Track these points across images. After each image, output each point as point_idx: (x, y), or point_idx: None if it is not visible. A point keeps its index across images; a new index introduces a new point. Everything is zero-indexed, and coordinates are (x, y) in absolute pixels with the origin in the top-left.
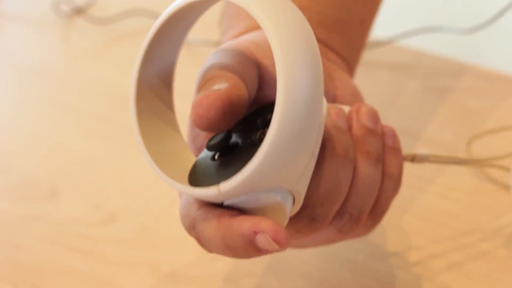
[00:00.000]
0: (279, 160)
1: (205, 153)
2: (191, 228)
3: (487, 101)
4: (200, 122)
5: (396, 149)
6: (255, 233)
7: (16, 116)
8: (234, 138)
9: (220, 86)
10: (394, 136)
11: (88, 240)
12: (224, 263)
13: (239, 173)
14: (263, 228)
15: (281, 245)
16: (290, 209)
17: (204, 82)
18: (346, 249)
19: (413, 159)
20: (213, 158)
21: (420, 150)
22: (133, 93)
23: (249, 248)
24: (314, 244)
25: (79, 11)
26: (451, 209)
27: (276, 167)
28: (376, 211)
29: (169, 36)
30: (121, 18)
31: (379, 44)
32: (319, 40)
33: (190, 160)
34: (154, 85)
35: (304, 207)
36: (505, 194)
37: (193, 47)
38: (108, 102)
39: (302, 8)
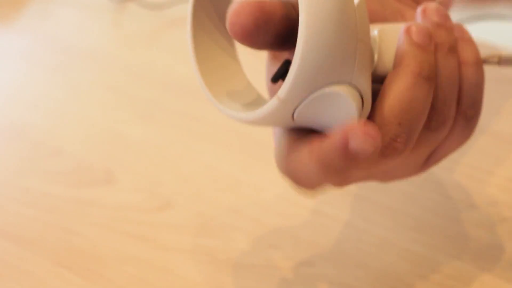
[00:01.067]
0: (319, 45)
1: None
2: (286, 169)
3: None
4: (234, 30)
5: (467, 39)
6: (347, 140)
7: (69, 101)
8: None
9: None
10: (462, 29)
11: (143, 226)
12: (281, 252)
13: (289, 74)
14: (352, 129)
15: (375, 139)
16: (361, 108)
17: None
18: (404, 239)
19: (499, 60)
20: None
21: (506, 51)
22: (190, 21)
23: (346, 158)
24: (402, 172)
25: None
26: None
27: (321, 51)
28: (464, 104)
29: None
30: (174, 4)
31: None
32: None
33: (253, 93)
34: (211, 17)
35: (381, 127)
36: None
37: None
38: (161, 87)
39: None
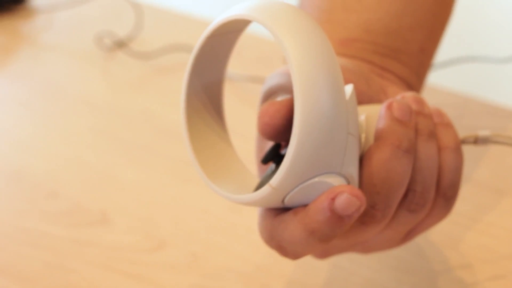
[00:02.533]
0: (312, 140)
1: (269, 170)
2: (271, 238)
3: None
4: (266, 131)
5: (446, 124)
6: (333, 199)
7: (62, 145)
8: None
9: (283, 97)
10: (441, 114)
11: (138, 265)
12: None
13: (282, 165)
14: (338, 190)
15: (361, 199)
16: None
17: (266, 98)
18: (389, 279)
19: (476, 140)
20: (272, 172)
21: (482, 130)
22: (183, 105)
23: (331, 220)
24: (382, 245)
25: (120, 45)
26: (490, 245)
27: (312, 148)
28: (444, 187)
29: (215, 50)
30: (161, 54)
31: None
32: (374, 65)
33: (244, 173)
34: (203, 99)
35: None
36: None
37: (235, 83)
38: (151, 133)
39: (355, 40)
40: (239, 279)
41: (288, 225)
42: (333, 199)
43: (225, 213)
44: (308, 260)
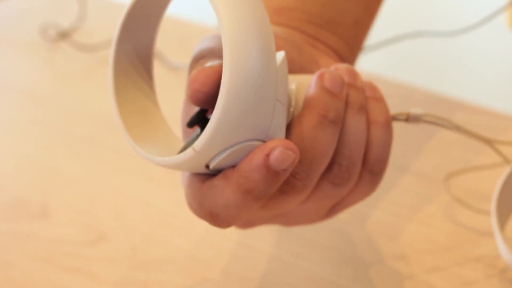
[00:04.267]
0: (239, 104)
1: (194, 134)
2: (201, 206)
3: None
4: (196, 97)
5: (377, 98)
6: (267, 155)
7: (3, 137)
8: None
9: (213, 63)
10: (374, 87)
11: (79, 259)
12: (213, 285)
13: (206, 128)
14: (272, 146)
15: (295, 151)
16: None
17: (196, 61)
18: (332, 272)
19: (407, 118)
20: (197, 135)
21: (414, 108)
22: (111, 67)
23: (267, 176)
24: (305, 218)
25: (64, 35)
26: (432, 237)
27: (238, 112)
28: (371, 162)
29: (145, 12)
30: (105, 46)
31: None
32: (308, 35)
33: (170, 137)
34: (133, 61)
35: None
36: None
37: (180, 72)
38: (94, 124)
39: (290, 9)
40: (180, 272)
41: (219, 189)
42: (267, 155)
43: (166, 205)
44: (248, 253)
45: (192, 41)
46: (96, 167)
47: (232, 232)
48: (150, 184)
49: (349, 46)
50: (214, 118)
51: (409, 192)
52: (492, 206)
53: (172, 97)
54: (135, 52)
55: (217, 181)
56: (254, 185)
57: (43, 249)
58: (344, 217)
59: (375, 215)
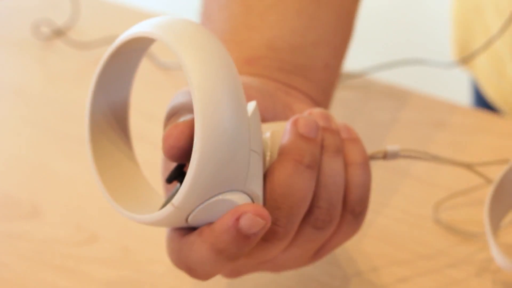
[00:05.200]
0: (213, 157)
1: (174, 190)
2: (179, 261)
3: (459, 136)
4: (172, 153)
5: (353, 139)
6: (237, 219)
7: None
8: None
9: (186, 118)
10: (348, 129)
11: (70, 259)
12: (205, 286)
13: (183, 183)
14: (242, 210)
15: (265, 218)
16: None
17: (169, 118)
18: (322, 273)
19: (385, 155)
20: (176, 191)
21: (391, 145)
22: (87, 126)
23: (237, 239)
24: (291, 263)
25: (58, 33)
26: (413, 233)
27: (213, 165)
28: (351, 202)
29: (119, 68)
30: (99, 45)
31: (353, 76)
32: (280, 82)
33: (150, 193)
34: (108, 118)
35: None
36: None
37: (172, 72)
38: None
39: (261, 58)
40: (171, 273)
41: (194, 246)
42: (237, 219)
43: None
44: None
45: None
46: (87, 166)
47: None
48: None
49: (321, 89)
50: (190, 173)
51: (402, 195)
52: (485, 212)
53: (164, 96)
54: (110, 109)
55: (193, 237)
56: (225, 246)
57: (34, 249)
58: None
59: (367, 217)
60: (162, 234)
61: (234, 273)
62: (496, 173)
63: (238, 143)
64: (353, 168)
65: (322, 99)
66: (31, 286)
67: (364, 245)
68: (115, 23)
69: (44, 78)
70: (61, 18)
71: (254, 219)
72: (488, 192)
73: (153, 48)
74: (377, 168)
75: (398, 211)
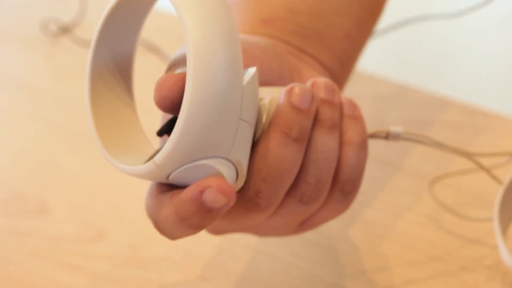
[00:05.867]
0: (200, 121)
1: (163, 143)
2: (150, 216)
3: (464, 135)
4: (163, 104)
5: (355, 117)
6: (201, 192)
7: (2, 132)
8: None
9: (182, 70)
10: (353, 105)
11: (78, 256)
12: (211, 284)
13: (167, 142)
14: (206, 184)
15: (228, 195)
16: (234, 181)
17: (170, 67)
18: (332, 274)
19: (387, 136)
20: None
21: (394, 126)
22: (88, 72)
23: (200, 211)
24: (274, 231)
25: (65, 30)
26: (429, 237)
27: (200, 129)
28: (342, 181)
29: (124, 19)
30: None
31: (362, 75)
32: (293, 46)
33: (145, 145)
34: (111, 68)
35: (246, 182)
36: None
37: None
38: None
39: (278, 19)
40: (179, 271)
41: (163, 208)
42: (201, 192)
43: None
44: (248, 253)
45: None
46: (96, 163)
47: None
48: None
49: (339, 60)
50: (175, 134)
51: (406, 193)
52: (494, 213)
53: None
54: (113, 60)
55: (165, 198)
56: (188, 215)
57: (41, 246)
58: (346, 218)
59: (377, 217)
60: None
61: (216, 231)
62: (499, 168)
63: (228, 110)
64: (348, 147)
65: (338, 70)
66: (38, 282)
67: (374, 245)
68: None
69: (51, 75)
70: (68, 15)
71: (216, 196)
72: (497, 193)
73: (162, 44)
74: (393, 172)
75: (405, 211)
